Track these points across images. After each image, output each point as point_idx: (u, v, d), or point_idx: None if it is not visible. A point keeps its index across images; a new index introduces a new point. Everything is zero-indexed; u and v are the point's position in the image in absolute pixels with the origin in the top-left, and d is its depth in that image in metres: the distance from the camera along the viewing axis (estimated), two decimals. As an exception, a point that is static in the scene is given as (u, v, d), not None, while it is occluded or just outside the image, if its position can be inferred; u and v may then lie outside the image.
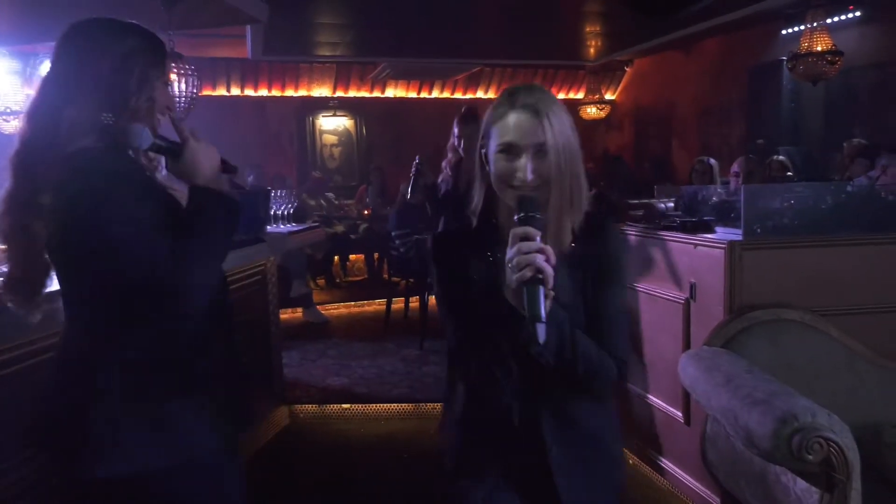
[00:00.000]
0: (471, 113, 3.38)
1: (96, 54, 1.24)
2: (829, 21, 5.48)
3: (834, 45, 5.23)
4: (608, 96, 9.06)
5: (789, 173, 5.02)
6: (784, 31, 6.24)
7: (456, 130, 3.44)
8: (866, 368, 2.23)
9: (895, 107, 5.51)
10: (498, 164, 1.24)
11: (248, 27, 5.59)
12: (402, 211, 5.60)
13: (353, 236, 7.48)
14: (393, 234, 5.54)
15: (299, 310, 5.97)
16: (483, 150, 1.30)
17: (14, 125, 5.96)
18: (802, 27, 5.53)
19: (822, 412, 1.63)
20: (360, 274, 7.74)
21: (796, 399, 1.70)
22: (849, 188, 2.84)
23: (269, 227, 3.70)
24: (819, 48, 5.22)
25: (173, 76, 3.91)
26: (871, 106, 5.73)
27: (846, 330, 2.26)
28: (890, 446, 1.97)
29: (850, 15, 5.72)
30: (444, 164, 3.53)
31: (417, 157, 3.56)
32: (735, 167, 4.49)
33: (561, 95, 9.42)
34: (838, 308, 2.35)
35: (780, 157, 5.23)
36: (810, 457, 1.57)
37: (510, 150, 1.23)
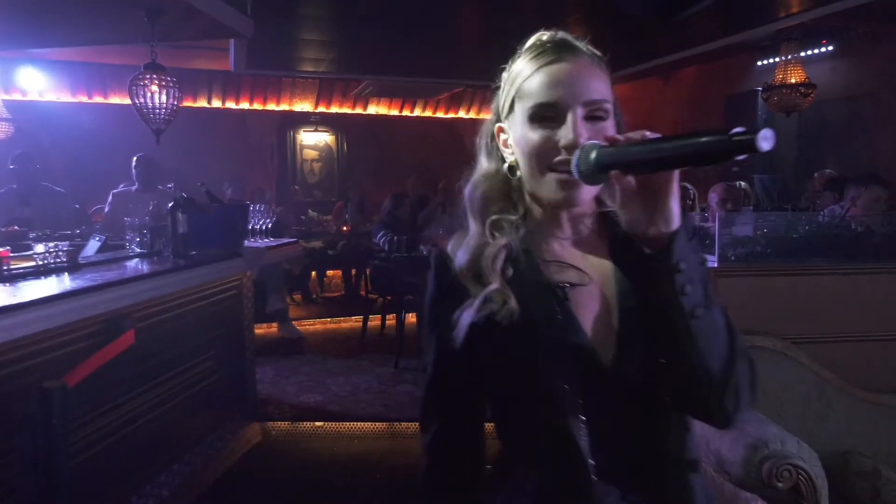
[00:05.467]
0: None
1: None
2: (802, 54, 5.62)
3: (807, 77, 5.36)
4: (588, 120, 9.16)
5: (753, 204, 4.97)
6: (759, 63, 6.38)
7: None
8: (836, 397, 2.26)
9: (865, 139, 5.65)
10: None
11: (232, 40, 5.58)
12: (384, 223, 5.67)
13: (330, 252, 7.45)
14: (376, 237, 5.57)
15: (274, 325, 5.91)
16: None
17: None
18: (777, 59, 5.67)
19: (791, 439, 1.65)
20: (336, 290, 7.69)
21: (767, 426, 1.72)
22: (820, 218, 2.89)
23: (246, 241, 3.67)
24: (793, 80, 5.35)
25: (154, 87, 3.88)
26: (842, 137, 5.87)
27: (817, 358, 2.29)
28: (858, 474, 1.99)
29: (823, 49, 5.87)
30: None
31: None
32: (714, 195, 4.44)
33: (542, 118, 9.51)
34: (809, 336, 2.38)
35: (743, 185, 5.13)
36: (780, 484, 1.59)
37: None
